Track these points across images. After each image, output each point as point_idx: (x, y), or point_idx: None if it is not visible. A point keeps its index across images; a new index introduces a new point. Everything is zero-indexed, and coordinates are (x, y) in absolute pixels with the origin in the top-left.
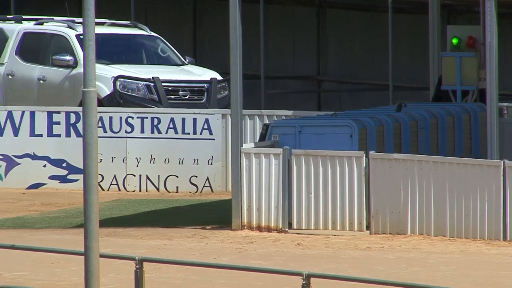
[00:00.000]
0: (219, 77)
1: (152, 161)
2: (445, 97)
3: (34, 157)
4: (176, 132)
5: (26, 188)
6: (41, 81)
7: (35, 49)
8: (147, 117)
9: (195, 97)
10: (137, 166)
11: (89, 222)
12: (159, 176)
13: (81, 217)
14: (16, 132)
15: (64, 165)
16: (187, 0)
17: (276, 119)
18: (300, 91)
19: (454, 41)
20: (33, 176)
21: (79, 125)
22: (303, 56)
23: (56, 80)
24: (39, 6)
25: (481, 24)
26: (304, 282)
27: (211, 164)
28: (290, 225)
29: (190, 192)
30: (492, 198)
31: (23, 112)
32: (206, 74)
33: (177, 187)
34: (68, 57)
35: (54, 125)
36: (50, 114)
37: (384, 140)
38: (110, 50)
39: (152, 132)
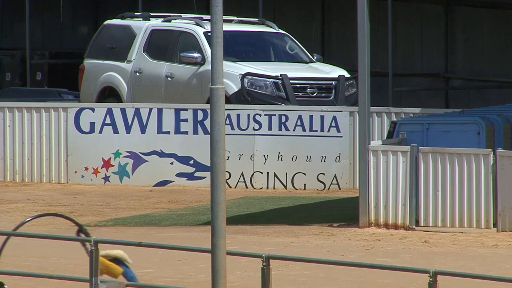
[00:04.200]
0: (347, 75)
1: (280, 158)
2: None
3: (161, 154)
4: (304, 130)
5: (153, 186)
6: (169, 78)
7: (163, 46)
8: (274, 115)
9: (323, 95)
10: (264, 164)
11: (216, 220)
12: (286, 173)
13: (208, 214)
14: (143, 129)
15: (191, 162)
16: None
17: (403, 116)
18: (427, 88)
19: None
20: (160, 174)
21: (207, 122)
22: (431, 53)
23: (183, 77)
24: (167, 3)
25: None
26: (431, 279)
27: (339, 161)
28: (417, 223)
29: (317, 190)
30: None
31: (150, 109)
32: (334, 71)
33: (305, 184)
34: (195, 54)
35: (181, 122)
36: (177, 111)
37: (511, 137)
38: (238, 48)
39: (280, 129)
